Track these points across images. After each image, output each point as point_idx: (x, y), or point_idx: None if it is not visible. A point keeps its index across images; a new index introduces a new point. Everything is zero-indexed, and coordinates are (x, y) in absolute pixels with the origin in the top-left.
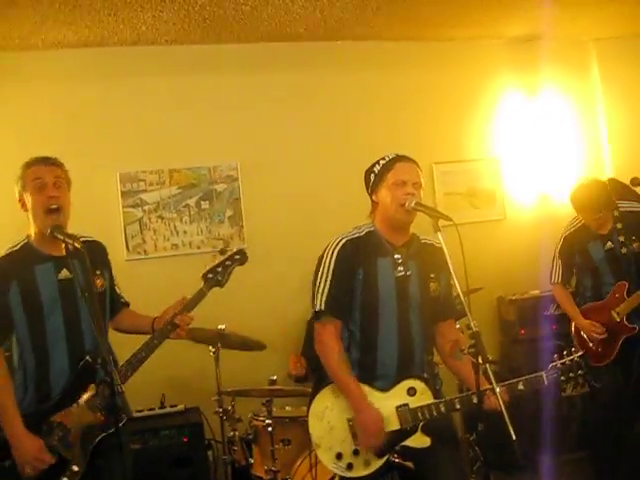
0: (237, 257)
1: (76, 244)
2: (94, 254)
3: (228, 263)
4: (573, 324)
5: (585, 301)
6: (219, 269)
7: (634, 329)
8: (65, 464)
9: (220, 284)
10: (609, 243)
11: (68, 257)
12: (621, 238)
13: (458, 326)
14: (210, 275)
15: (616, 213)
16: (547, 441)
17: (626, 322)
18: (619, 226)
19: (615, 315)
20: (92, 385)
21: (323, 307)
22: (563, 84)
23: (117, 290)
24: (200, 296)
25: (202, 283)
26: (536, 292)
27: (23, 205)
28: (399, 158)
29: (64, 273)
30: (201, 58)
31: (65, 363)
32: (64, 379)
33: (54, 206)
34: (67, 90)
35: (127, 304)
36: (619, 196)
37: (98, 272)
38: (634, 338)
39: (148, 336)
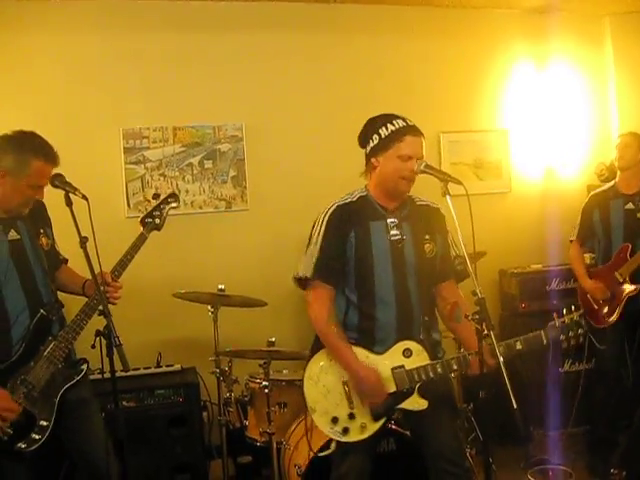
0: (170, 200)
1: (77, 194)
2: (37, 213)
3: (163, 206)
4: (578, 285)
5: (596, 263)
6: (155, 213)
7: (636, 289)
8: (33, 421)
9: (158, 227)
10: (630, 204)
11: (14, 218)
12: None
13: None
14: (148, 220)
15: None
16: (546, 415)
17: (629, 282)
18: None
19: (618, 276)
20: (50, 338)
21: (311, 273)
22: (575, 58)
23: (56, 247)
24: (141, 240)
25: (141, 228)
26: (538, 266)
27: (3, 175)
28: (409, 129)
29: (12, 234)
30: (210, 15)
31: (24, 319)
32: (24, 335)
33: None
34: (70, 42)
35: (66, 261)
36: None
37: (42, 231)
38: (634, 305)
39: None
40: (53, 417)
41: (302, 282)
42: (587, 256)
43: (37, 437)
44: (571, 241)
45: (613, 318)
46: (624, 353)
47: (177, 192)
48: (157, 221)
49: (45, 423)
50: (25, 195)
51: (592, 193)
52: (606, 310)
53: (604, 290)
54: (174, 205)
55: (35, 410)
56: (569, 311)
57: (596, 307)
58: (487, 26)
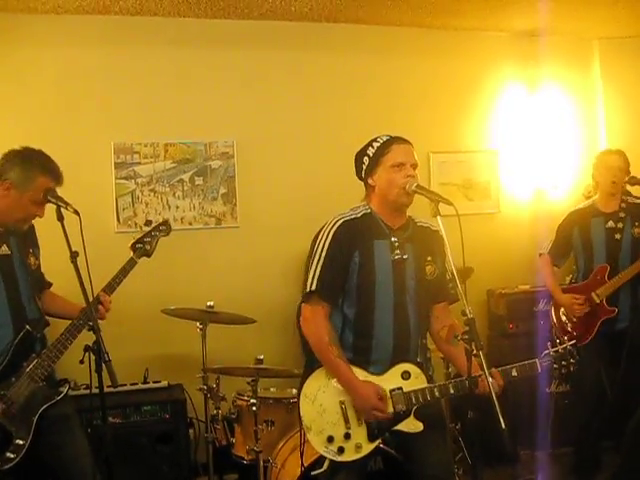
0: (162, 228)
1: (69, 209)
2: (28, 233)
3: (154, 233)
4: (552, 305)
5: (576, 281)
6: (147, 239)
7: (613, 311)
8: (9, 438)
9: (148, 253)
10: (610, 222)
11: (7, 233)
12: (620, 224)
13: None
14: (139, 245)
15: (623, 204)
16: (531, 435)
17: (605, 304)
18: (622, 215)
19: (595, 297)
20: (33, 355)
21: (314, 287)
22: (564, 81)
23: (41, 269)
24: (131, 265)
25: (131, 253)
26: (526, 287)
27: (7, 187)
28: (394, 140)
29: (3, 249)
30: (204, 32)
31: (9, 335)
32: (6, 350)
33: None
34: (63, 56)
35: (50, 284)
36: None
37: (31, 251)
38: (612, 328)
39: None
40: (30, 436)
41: (307, 296)
42: (566, 279)
43: (12, 456)
44: (540, 254)
45: (588, 339)
46: (599, 376)
47: (167, 207)
48: (147, 247)
49: (21, 442)
50: (27, 210)
51: (571, 210)
52: (579, 330)
53: (581, 306)
54: (165, 234)
55: (12, 428)
56: (562, 342)
57: (569, 328)
58: (477, 48)
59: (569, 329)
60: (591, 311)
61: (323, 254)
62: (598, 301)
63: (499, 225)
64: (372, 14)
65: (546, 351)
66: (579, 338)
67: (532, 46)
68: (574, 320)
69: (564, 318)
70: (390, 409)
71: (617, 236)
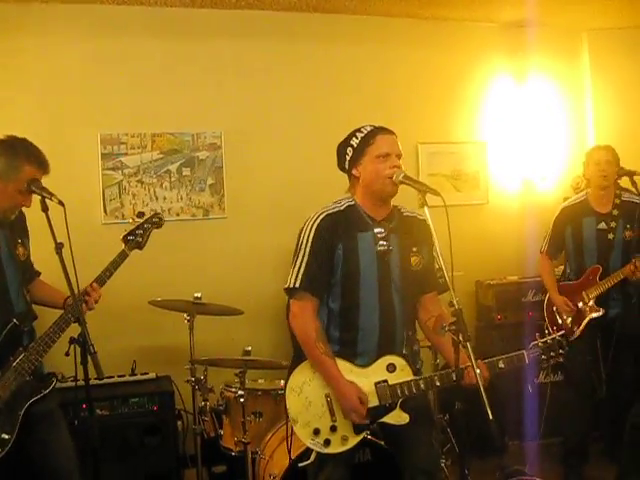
0: (154, 220)
1: (54, 200)
2: (18, 222)
3: (146, 226)
4: (546, 297)
5: (568, 278)
6: (138, 232)
7: (598, 310)
8: None
9: (140, 246)
10: (602, 223)
11: None
12: (613, 224)
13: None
14: (130, 237)
15: (617, 201)
16: (519, 426)
17: (594, 304)
18: (615, 212)
19: (585, 296)
20: (20, 349)
21: (298, 284)
22: (553, 72)
23: (31, 259)
24: (122, 257)
25: (123, 245)
26: (514, 278)
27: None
28: (378, 130)
29: None
30: (191, 22)
31: None
32: None
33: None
34: (50, 46)
35: (39, 273)
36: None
37: (20, 241)
38: (599, 320)
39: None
40: (15, 431)
41: (292, 291)
42: (559, 268)
43: None
44: (541, 252)
45: (576, 334)
46: (591, 365)
47: (154, 198)
48: (139, 240)
49: (6, 436)
50: (14, 200)
51: (563, 205)
52: (569, 325)
53: (572, 309)
54: (157, 226)
55: None
56: (550, 332)
57: (560, 321)
58: (467, 39)
59: (559, 323)
60: (580, 309)
61: (307, 249)
62: (587, 300)
63: (488, 216)
64: (361, 4)
65: (534, 342)
66: (569, 332)
67: (521, 37)
68: (564, 317)
69: (556, 312)
70: (374, 402)
71: (610, 236)
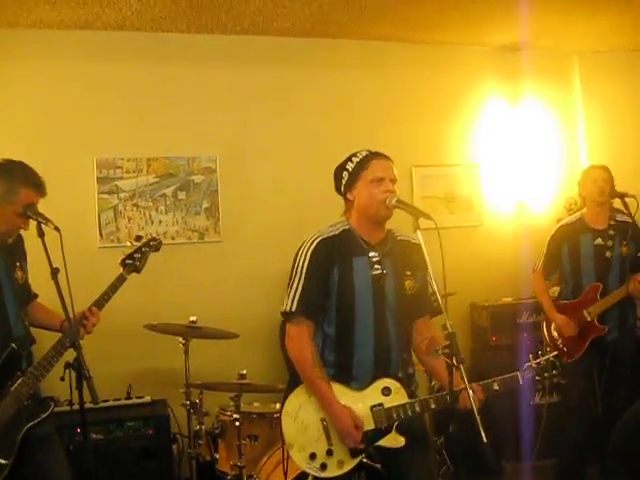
0: (152, 244)
1: (49, 225)
2: (16, 246)
3: (144, 249)
4: (544, 318)
5: (565, 297)
6: (136, 255)
7: (603, 329)
8: None
9: (137, 269)
10: (599, 239)
11: None
12: (610, 242)
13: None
14: (128, 261)
15: (612, 222)
16: (515, 447)
17: (596, 322)
18: (611, 232)
19: (586, 314)
20: (18, 373)
21: (295, 308)
22: (545, 95)
23: (29, 281)
24: (120, 281)
25: (121, 269)
26: (509, 299)
27: None
28: (373, 155)
29: None
30: (186, 47)
31: None
32: None
33: None
34: (47, 71)
35: (36, 295)
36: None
37: (18, 264)
38: (601, 339)
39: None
40: (13, 456)
41: (289, 315)
42: (554, 289)
43: None
44: (534, 270)
45: (578, 355)
46: (588, 387)
47: (150, 222)
48: (137, 263)
49: (4, 461)
50: (12, 223)
51: (559, 224)
52: (571, 346)
53: (574, 327)
54: (155, 250)
55: None
56: (544, 353)
57: (560, 342)
58: (459, 62)
59: (559, 345)
60: (582, 329)
61: (303, 273)
62: (589, 319)
63: (482, 238)
64: (354, 29)
65: (527, 363)
66: (569, 353)
67: (513, 60)
68: (565, 336)
69: (555, 334)
70: (370, 426)
71: (607, 254)
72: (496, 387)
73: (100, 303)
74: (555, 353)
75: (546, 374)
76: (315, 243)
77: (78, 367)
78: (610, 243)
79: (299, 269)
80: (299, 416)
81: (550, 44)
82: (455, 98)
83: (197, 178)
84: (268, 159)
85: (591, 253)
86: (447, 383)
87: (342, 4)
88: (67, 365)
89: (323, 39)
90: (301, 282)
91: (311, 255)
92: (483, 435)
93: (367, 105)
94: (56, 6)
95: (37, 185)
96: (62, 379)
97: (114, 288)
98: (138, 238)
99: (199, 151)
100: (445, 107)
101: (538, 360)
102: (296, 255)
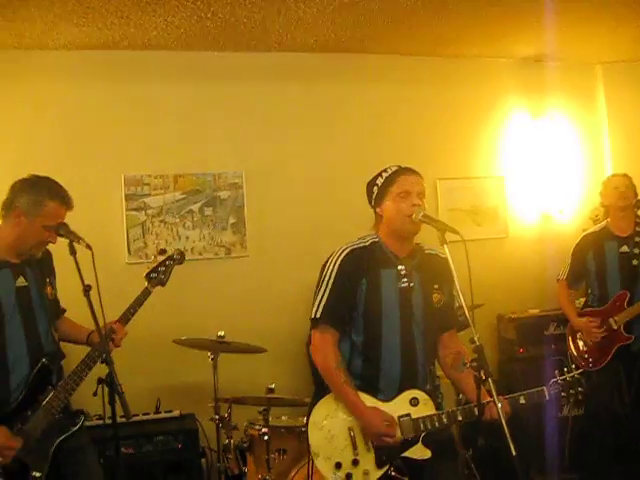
0: (176, 257)
1: (81, 243)
2: (45, 262)
3: (168, 263)
4: (568, 327)
5: (591, 305)
6: (161, 269)
7: (630, 338)
8: (26, 471)
9: (162, 282)
10: (625, 247)
11: (23, 265)
12: (636, 250)
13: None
14: (153, 275)
15: (638, 228)
16: (541, 460)
17: (623, 331)
18: (637, 239)
19: (613, 322)
20: (49, 387)
21: (319, 315)
22: (569, 107)
23: (57, 296)
24: (145, 295)
25: (146, 283)
26: (536, 311)
27: (18, 215)
28: (402, 170)
29: (20, 281)
30: (211, 65)
31: (25, 369)
32: (23, 383)
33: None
34: (76, 91)
35: (64, 310)
36: None
37: (48, 280)
38: (626, 349)
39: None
40: (47, 468)
41: (314, 322)
42: (580, 300)
43: None
44: (558, 280)
45: (603, 363)
46: (613, 397)
47: (177, 237)
48: (162, 277)
49: (38, 474)
50: (40, 236)
51: (584, 233)
52: (594, 355)
53: (597, 328)
54: (179, 263)
55: (29, 460)
56: (570, 369)
57: (585, 350)
58: (484, 75)
59: (585, 355)
60: (608, 336)
61: (330, 282)
62: (616, 327)
63: (508, 249)
64: (377, 44)
65: (553, 379)
66: (595, 362)
67: (536, 72)
68: (590, 344)
69: (581, 344)
70: (399, 435)
71: (634, 262)
72: (523, 401)
73: (126, 317)
74: (581, 370)
75: (572, 391)
76: (344, 253)
77: (111, 383)
78: (636, 251)
79: (326, 278)
80: (325, 425)
81: (573, 55)
82: (480, 111)
83: (223, 194)
84: (294, 175)
85: (616, 260)
86: (474, 396)
87: (365, 20)
88: (100, 380)
89: (347, 54)
90: (327, 291)
91: (339, 265)
92: (512, 448)
93: (392, 119)
94: (84, 28)
95: (62, 198)
96: (95, 394)
97: (139, 302)
98: (162, 252)
99: (225, 167)
100: (471, 120)
101: (564, 376)
102: (325, 263)
